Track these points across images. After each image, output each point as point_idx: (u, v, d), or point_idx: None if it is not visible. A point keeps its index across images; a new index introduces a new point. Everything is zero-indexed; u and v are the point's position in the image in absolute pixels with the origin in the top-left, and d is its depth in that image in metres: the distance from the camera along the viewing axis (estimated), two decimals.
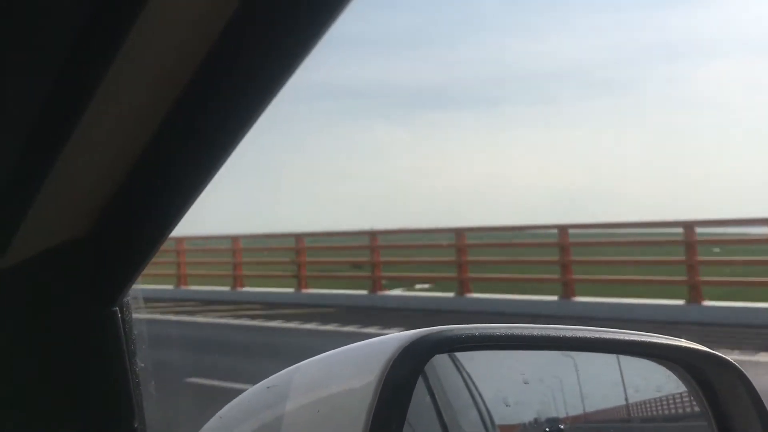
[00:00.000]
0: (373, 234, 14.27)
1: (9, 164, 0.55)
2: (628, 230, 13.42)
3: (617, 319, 10.08)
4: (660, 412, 1.23)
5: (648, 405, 1.22)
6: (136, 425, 0.64)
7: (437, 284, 15.03)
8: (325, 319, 11.88)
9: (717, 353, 1.14)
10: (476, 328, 0.99)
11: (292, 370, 1.00)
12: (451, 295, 13.00)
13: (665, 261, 12.55)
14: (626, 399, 1.19)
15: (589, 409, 1.20)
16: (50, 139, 0.54)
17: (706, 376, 1.14)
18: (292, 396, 0.97)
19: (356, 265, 16.46)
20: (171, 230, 0.65)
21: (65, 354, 0.63)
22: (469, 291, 12.78)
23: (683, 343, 1.13)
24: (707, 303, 10.59)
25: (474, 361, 1.13)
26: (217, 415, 0.98)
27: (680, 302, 10.80)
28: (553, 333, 1.04)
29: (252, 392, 0.99)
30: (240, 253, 16.17)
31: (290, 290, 14.90)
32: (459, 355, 1.12)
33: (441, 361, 1.08)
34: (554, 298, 11.87)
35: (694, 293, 10.68)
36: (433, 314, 11.89)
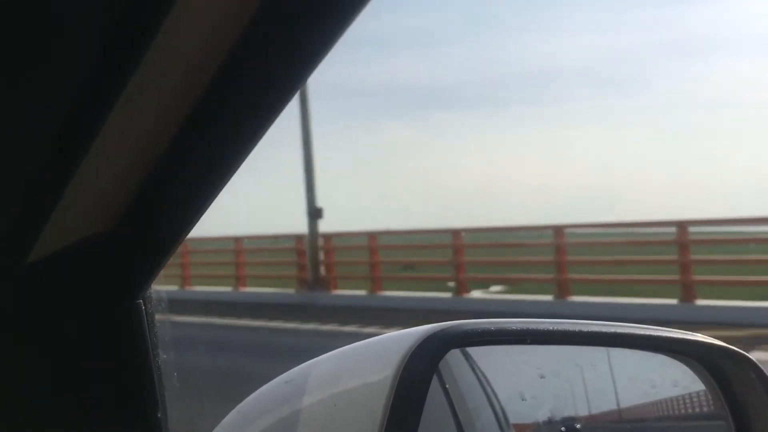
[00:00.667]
0: (456, 232, 13.26)
1: (38, 161, 0.56)
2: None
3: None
4: (677, 411, 1.23)
5: (665, 404, 1.22)
6: (159, 415, 0.65)
7: (515, 286, 13.99)
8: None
9: (733, 347, 1.14)
10: (492, 323, 1.00)
11: (309, 364, 1.01)
12: (549, 298, 12.03)
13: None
14: (643, 396, 1.19)
15: (605, 406, 1.20)
16: (78, 137, 0.55)
17: (722, 371, 1.13)
18: (310, 390, 0.98)
19: (408, 266, 15.69)
20: (193, 225, 0.66)
21: (91, 347, 0.64)
22: (569, 294, 11.80)
23: (699, 337, 1.13)
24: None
25: (488, 357, 1.13)
26: (235, 409, 0.99)
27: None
28: (568, 328, 1.04)
29: (270, 387, 1.00)
30: (303, 254, 15.24)
31: (363, 293, 14.11)
32: (473, 351, 1.12)
33: (455, 358, 1.09)
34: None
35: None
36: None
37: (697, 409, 1.21)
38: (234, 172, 0.62)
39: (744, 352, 1.14)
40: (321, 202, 14.94)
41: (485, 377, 1.19)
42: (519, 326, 1.00)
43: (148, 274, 0.66)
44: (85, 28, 0.49)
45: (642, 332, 1.09)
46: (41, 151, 0.55)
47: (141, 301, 0.66)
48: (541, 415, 1.17)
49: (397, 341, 0.96)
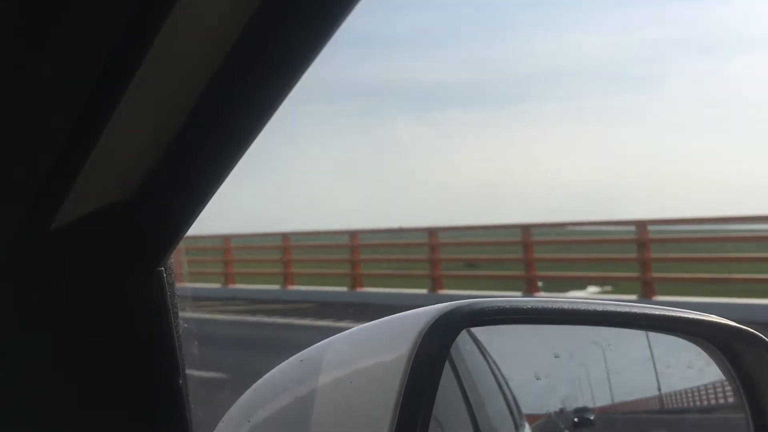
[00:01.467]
0: (527, 228, 12.59)
1: (59, 131, 0.57)
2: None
3: None
4: (694, 402, 1.22)
5: (682, 394, 1.22)
6: (180, 382, 0.66)
7: (616, 286, 13.25)
8: None
9: (746, 328, 1.14)
10: (507, 301, 1.00)
11: (325, 343, 1.02)
12: (633, 298, 11.13)
13: None
14: (658, 377, 1.18)
15: (619, 391, 1.19)
16: (100, 106, 0.56)
17: (735, 351, 1.13)
18: (325, 369, 0.98)
19: (471, 263, 15.24)
20: (212, 194, 0.67)
21: (115, 312, 0.65)
22: (654, 293, 11.12)
23: (714, 318, 1.13)
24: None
25: (499, 338, 1.13)
26: (251, 387, 1.00)
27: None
28: (583, 307, 1.04)
29: (285, 366, 1.01)
30: (359, 250, 14.72)
31: (424, 291, 13.31)
32: (483, 335, 1.12)
33: (465, 340, 1.09)
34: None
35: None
36: None
37: (715, 401, 1.21)
38: (253, 139, 0.63)
39: (757, 333, 1.14)
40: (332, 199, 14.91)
41: (495, 361, 1.19)
42: (533, 305, 1.00)
43: (170, 241, 0.67)
44: (105, 19, 0.51)
45: (656, 312, 1.10)
46: (63, 121, 0.56)
47: (162, 268, 0.67)
48: (553, 405, 1.18)
49: (411, 320, 0.96)
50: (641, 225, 11.40)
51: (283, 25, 0.55)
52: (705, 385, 1.21)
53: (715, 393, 1.20)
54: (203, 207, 0.68)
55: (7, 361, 0.61)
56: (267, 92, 0.60)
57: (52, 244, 0.61)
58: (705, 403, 1.22)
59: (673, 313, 1.11)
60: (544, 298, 1.03)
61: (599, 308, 1.05)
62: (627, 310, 1.08)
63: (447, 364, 1.03)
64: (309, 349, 1.01)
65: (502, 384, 1.22)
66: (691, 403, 1.23)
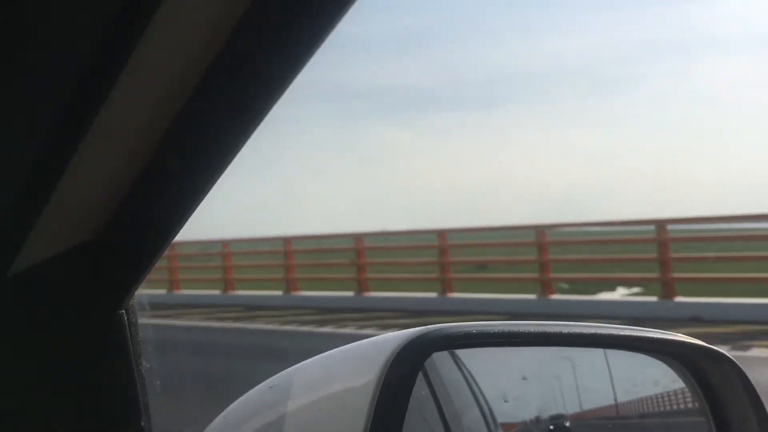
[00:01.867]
0: (541, 228, 12.10)
1: (21, 171, 0.57)
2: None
3: None
4: (660, 408, 1.24)
5: (648, 401, 1.24)
6: (142, 424, 0.66)
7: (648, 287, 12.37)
8: None
9: (713, 347, 1.16)
10: (474, 326, 1.01)
11: (293, 369, 1.02)
12: (653, 299, 10.98)
13: None
14: (625, 395, 1.20)
15: (590, 405, 1.21)
16: (60, 147, 0.56)
17: (702, 370, 1.15)
18: (294, 395, 0.99)
19: (481, 265, 14.99)
20: (176, 233, 0.67)
21: (74, 357, 0.65)
22: (674, 294, 10.65)
23: (679, 337, 1.14)
24: None
25: (474, 357, 1.15)
26: (221, 414, 1.00)
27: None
28: (550, 330, 1.05)
29: (255, 392, 1.01)
30: (363, 253, 14.04)
31: (433, 294, 12.74)
32: (460, 352, 1.13)
33: (442, 358, 1.10)
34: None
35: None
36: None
37: (680, 406, 1.23)
38: (218, 178, 0.63)
39: (723, 352, 1.16)
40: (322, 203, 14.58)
41: (473, 377, 1.21)
42: (499, 329, 1.01)
43: (132, 283, 0.67)
44: (68, 42, 0.50)
45: (621, 333, 1.11)
46: (25, 162, 0.56)
47: (124, 311, 0.67)
48: (528, 414, 1.19)
49: (379, 345, 0.97)
50: (660, 224, 11.03)
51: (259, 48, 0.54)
52: (672, 391, 1.22)
53: (681, 399, 1.22)
54: (168, 245, 0.68)
55: None
56: (233, 130, 0.60)
57: (8, 290, 0.61)
58: (669, 408, 1.24)
59: (639, 333, 1.13)
60: (513, 322, 1.04)
61: (566, 330, 1.06)
62: (594, 331, 1.09)
63: (422, 381, 1.04)
64: (278, 375, 1.01)
65: (478, 397, 1.23)
66: (656, 409, 1.25)
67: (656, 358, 1.18)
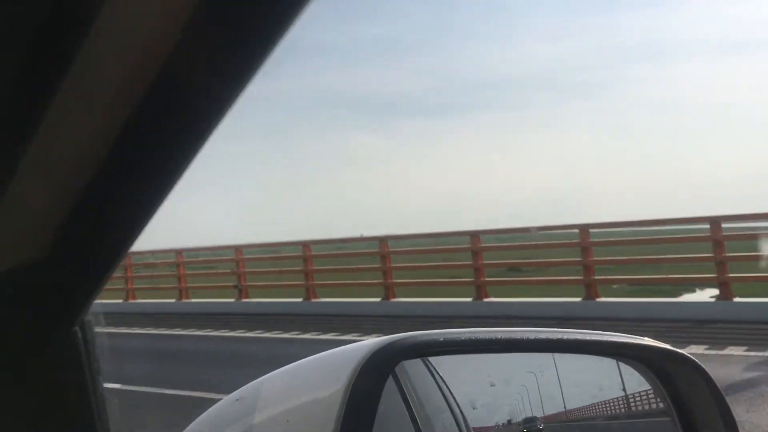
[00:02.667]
0: (585, 228, 11.31)
1: None
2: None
3: None
4: (627, 409, 1.25)
5: (615, 403, 1.25)
6: None
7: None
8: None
9: (678, 350, 1.17)
10: (441, 334, 1.01)
11: (260, 381, 1.01)
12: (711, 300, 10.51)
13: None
14: (592, 398, 1.21)
15: (559, 408, 1.22)
16: (2, 162, 0.55)
17: (667, 373, 1.16)
18: (261, 407, 0.98)
19: (515, 268, 13.97)
20: (129, 247, 0.66)
21: (26, 378, 0.63)
22: (732, 294, 10.06)
23: (644, 341, 1.15)
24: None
25: (444, 364, 1.15)
26: (188, 428, 0.99)
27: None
28: (516, 336, 1.06)
29: (221, 405, 1.00)
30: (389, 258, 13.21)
31: (468, 299, 11.77)
32: (432, 358, 1.13)
33: (414, 364, 1.10)
34: None
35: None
36: None
37: (647, 407, 1.24)
38: (170, 190, 0.62)
39: (687, 354, 1.17)
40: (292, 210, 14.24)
41: (445, 383, 1.21)
42: (467, 336, 1.02)
43: (84, 300, 0.66)
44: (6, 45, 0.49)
45: (587, 338, 1.12)
46: None
47: (77, 328, 0.66)
48: (501, 419, 1.19)
49: (347, 355, 0.96)
50: (715, 222, 10.33)
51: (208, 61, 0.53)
52: (639, 393, 1.23)
53: (648, 399, 1.23)
54: (121, 260, 0.67)
55: None
56: (187, 137, 0.59)
57: None
58: (637, 409, 1.25)
59: (605, 338, 1.13)
60: (480, 329, 1.05)
61: (532, 336, 1.07)
62: (559, 336, 1.10)
63: (394, 387, 1.04)
64: (245, 387, 1.01)
65: (450, 402, 1.23)
66: (624, 410, 1.26)
67: (622, 361, 1.19)
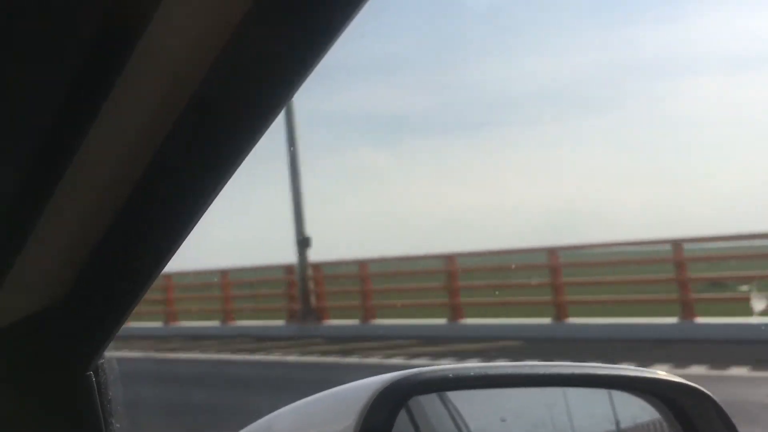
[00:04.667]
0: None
1: None
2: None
3: None
4: None
5: None
6: None
7: None
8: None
9: (691, 383, 1.16)
10: (451, 370, 1.01)
11: (270, 418, 1.02)
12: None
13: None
14: (604, 431, 1.20)
15: None
16: (23, 213, 0.56)
17: (681, 407, 1.15)
18: None
19: (717, 282, 12.38)
20: (143, 294, 0.67)
21: (41, 420, 0.64)
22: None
23: (657, 374, 1.15)
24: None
25: (457, 398, 1.14)
26: None
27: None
28: (526, 371, 1.06)
29: None
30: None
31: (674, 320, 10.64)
32: (449, 394, 1.13)
33: (428, 398, 1.10)
34: None
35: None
36: None
37: None
38: (184, 238, 0.63)
39: (703, 389, 1.16)
40: (308, 230, 14.21)
41: (461, 417, 1.20)
42: (477, 372, 1.02)
43: (98, 345, 0.67)
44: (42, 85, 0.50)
45: (599, 372, 1.11)
46: None
47: (91, 372, 0.67)
48: None
49: (357, 392, 0.97)
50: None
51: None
52: (649, 423, 1.22)
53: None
54: (135, 305, 0.68)
55: None
56: (204, 181, 0.59)
57: None
58: None
59: (617, 372, 1.13)
60: (491, 364, 1.05)
61: (542, 371, 1.07)
62: (571, 371, 1.10)
63: (407, 420, 1.04)
64: (254, 423, 1.01)
65: None
66: None
67: (635, 395, 1.18)
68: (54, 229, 0.60)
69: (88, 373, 0.67)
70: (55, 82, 0.49)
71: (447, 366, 1.03)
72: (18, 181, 0.55)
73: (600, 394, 1.15)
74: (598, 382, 1.13)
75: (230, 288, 15.71)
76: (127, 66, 0.50)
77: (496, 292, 12.90)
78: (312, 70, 0.51)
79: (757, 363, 7.88)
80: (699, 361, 8.03)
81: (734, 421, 1.13)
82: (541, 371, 1.05)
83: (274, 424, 1.01)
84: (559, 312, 11.34)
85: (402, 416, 1.01)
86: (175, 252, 0.64)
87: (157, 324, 14.96)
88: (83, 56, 0.48)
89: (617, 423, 1.19)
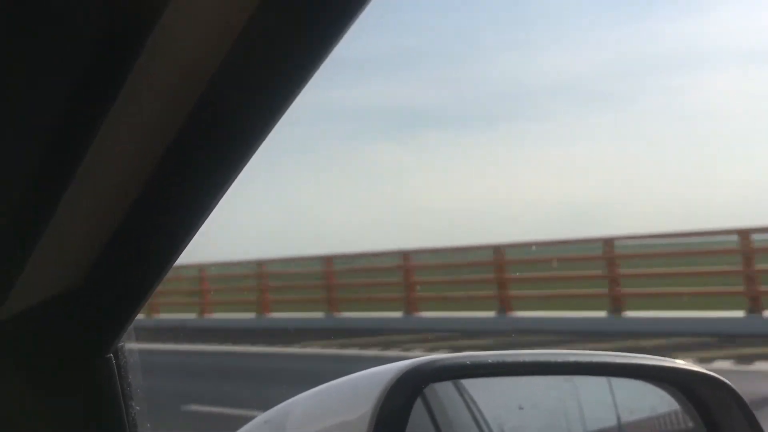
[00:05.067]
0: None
1: (7, 220, 0.57)
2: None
3: None
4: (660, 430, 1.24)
5: (645, 426, 1.23)
6: None
7: None
8: None
9: (710, 373, 1.15)
10: (468, 357, 1.01)
11: (288, 403, 1.02)
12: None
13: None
14: (621, 421, 1.20)
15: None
16: (45, 195, 0.56)
17: (700, 396, 1.15)
18: (289, 430, 0.99)
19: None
20: (163, 276, 0.67)
21: (62, 402, 0.65)
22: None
23: (676, 363, 1.14)
24: None
25: (474, 386, 1.14)
26: None
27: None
28: (544, 359, 1.05)
29: (249, 427, 1.01)
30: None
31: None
32: (464, 382, 1.13)
33: (444, 386, 1.10)
34: None
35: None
36: None
37: (677, 430, 1.22)
38: (204, 219, 0.63)
39: (723, 379, 1.15)
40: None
41: (476, 406, 1.20)
42: (494, 359, 1.01)
43: (119, 328, 0.67)
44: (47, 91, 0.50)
45: (617, 360, 1.11)
46: (10, 210, 0.57)
47: (111, 355, 0.67)
48: None
49: (374, 378, 0.97)
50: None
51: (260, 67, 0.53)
52: (669, 413, 1.21)
53: (679, 421, 1.21)
54: (155, 288, 0.68)
55: None
56: (221, 173, 0.60)
57: None
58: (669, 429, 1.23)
59: (636, 360, 1.12)
60: (507, 352, 1.04)
61: (561, 359, 1.06)
62: (589, 359, 1.09)
63: (423, 410, 1.04)
64: (273, 409, 1.01)
65: (481, 425, 1.23)
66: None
67: (654, 384, 1.18)
68: (73, 216, 0.60)
69: (108, 355, 0.67)
70: (71, 75, 0.50)
71: (465, 353, 1.03)
72: (38, 168, 0.55)
73: (618, 383, 1.14)
74: (616, 371, 1.12)
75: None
76: (139, 59, 0.50)
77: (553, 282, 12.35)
78: (321, 63, 0.52)
79: None
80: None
81: None
82: (559, 359, 1.05)
83: (292, 409, 1.01)
84: (616, 304, 10.79)
85: (418, 404, 1.00)
86: (191, 238, 0.64)
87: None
88: (97, 51, 0.49)
89: (636, 412, 1.19)
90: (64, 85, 0.51)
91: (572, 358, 1.06)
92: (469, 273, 13.65)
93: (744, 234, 10.53)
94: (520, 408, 1.13)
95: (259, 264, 15.26)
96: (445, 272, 14.30)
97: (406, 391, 0.95)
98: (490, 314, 11.95)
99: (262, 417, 1.02)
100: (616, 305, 11.13)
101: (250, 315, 14.79)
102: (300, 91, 0.54)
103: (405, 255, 13.33)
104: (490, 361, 1.01)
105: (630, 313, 11.02)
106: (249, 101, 0.55)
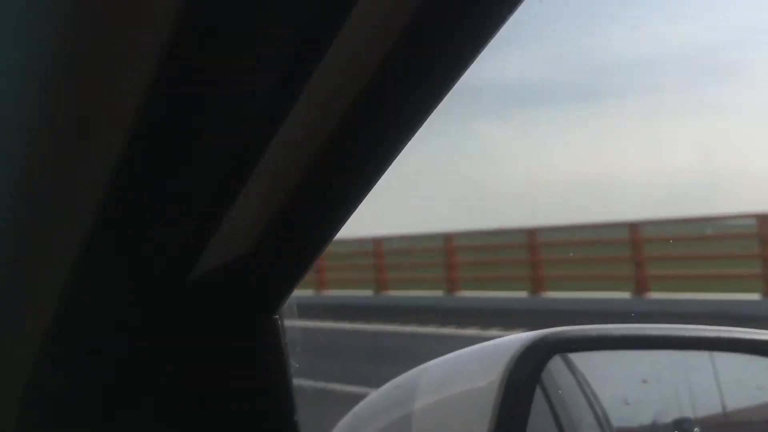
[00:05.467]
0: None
1: (199, 196, 0.64)
2: None
3: None
4: None
5: None
6: (295, 419, 0.73)
7: None
8: None
9: None
10: (593, 329, 1.03)
11: (418, 370, 1.07)
12: None
13: None
14: (751, 399, 1.18)
15: (712, 410, 1.19)
16: (230, 169, 0.63)
17: None
18: (420, 394, 1.04)
19: None
20: (330, 241, 0.73)
21: (236, 361, 0.72)
22: None
23: None
24: None
25: (590, 362, 1.16)
26: (351, 411, 1.07)
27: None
28: (669, 333, 1.06)
29: (382, 391, 1.07)
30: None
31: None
32: (574, 357, 1.15)
33: (556, 364, 1.12)
34: None
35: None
36: None
37: None
38: (371, 186, 0.68)
39: None
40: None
41: (587, 382, 1.22)
42: (620, 332, 1.03)
43: (286, 289, 0.73)
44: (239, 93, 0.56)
45: (745, 336, 1.10)
46: (197, 188, 0.63)
47: (278, 316, 0.74)
48: (646, 419, 1.19)
49: (502, 347, 1.00)
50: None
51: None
52: None
53: None
54: (322, 251, 0.74)
55: (135, 409, 0.68)
56: (397, 133, 0.64)
57: (184, 299, 0.69)
58: None
59: (762, 337, 1.11)
60: (632, 325, 1.05)
61: (686, 333, 1.06)
62: (717, 334, 1.08)
63: (538, 388, 1.07)
64: (403, 375, 1.07)
65: (593, 402, 1.24)
66: None
67: None
68: (254, 185, 0.66)
69: (275, 315, 0.74)
70: (265, 70, 0.56)
71: (588, 326, 1.05)
72: (227, 148, 0.61)
73: (749, 361, 1.13)
74: (746, 347, 1.11)
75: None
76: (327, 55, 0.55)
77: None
78: (479, 53, 0.56)
79: None
80: None
81: None
82: (687, 334, 1.05)
83: (423, 375, 1.06)
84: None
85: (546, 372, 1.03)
86: (353, 211, 0.69)
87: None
88: (290, 47, 0.54)
89: (765, 388, 1.17)
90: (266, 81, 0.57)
91: (701, 333, 1.06)
92: (599, 251, 12.59)
93: None
94: (644, 381, 1.14)
95: (377, 242, 14.64)
96: (575, 250, 13.06)
97: (534, 360, 0.98)
98: (624, 295, 11.02)
99: (393, 382, 1.07)
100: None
101: (367, 292, 14.34)
102: (459, 77, 0.58)
103: (530, 233, 12.55)
104: (615, 333, 1.03)
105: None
106: (412, 86, 0.61)
